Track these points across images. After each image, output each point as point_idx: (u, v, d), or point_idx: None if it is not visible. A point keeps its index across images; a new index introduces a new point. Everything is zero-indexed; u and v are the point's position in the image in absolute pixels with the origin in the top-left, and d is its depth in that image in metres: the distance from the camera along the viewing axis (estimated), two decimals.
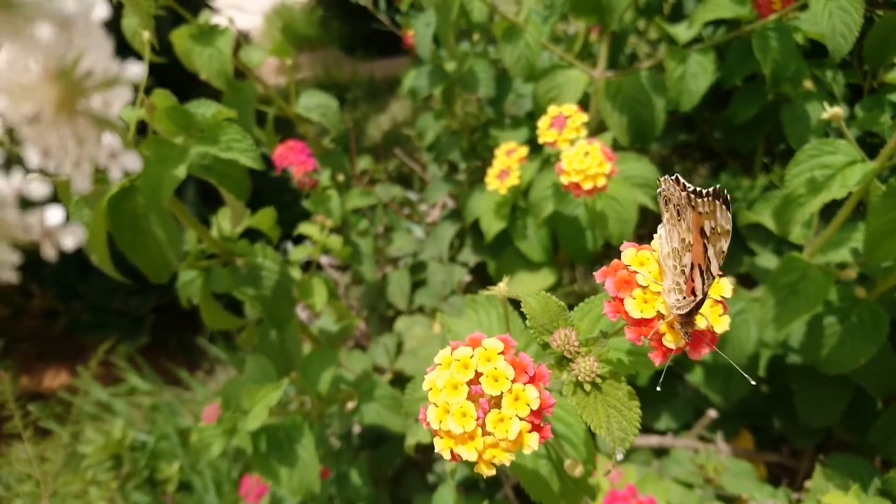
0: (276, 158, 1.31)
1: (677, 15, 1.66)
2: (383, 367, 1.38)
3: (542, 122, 0.94)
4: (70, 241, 0.22)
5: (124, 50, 1.11)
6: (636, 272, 0.43)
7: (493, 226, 1.37)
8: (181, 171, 0.76)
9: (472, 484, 1.37)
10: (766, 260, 1.18)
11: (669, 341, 0.42)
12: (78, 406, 2.07)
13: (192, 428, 1.82)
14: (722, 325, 0.43)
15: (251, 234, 1.12)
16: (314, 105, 1.46)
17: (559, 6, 1.39)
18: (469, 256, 1.58)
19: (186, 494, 1.85)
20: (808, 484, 1.10)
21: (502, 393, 0.41)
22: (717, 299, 0.44)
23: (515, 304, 0.57)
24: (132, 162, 0.24)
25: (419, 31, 1.41)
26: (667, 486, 1.03)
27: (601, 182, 0.84)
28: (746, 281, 1.55)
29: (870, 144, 1.50)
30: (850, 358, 0.98)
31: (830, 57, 1.05)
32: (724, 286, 0.44)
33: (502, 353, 0.42)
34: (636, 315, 0.42)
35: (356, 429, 1.55)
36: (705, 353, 0.43)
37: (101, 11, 0.23)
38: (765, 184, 1.45)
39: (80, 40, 0.22)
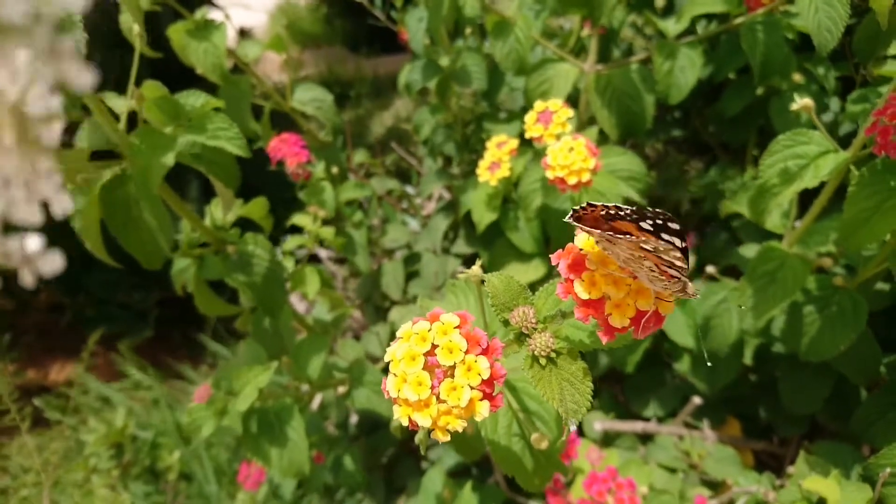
0: (270, 150, 1.34)
1: (671, 9, 1.67)
2: (376, 355, 1.41)
3: (529, 118, 0.96)
4: (48, 268, 0.22)
5: (123, 44, 1.14)
6: (586, 256, 0.45)
7: (484, 217, 1.40)
8: (169, 159, 0.78)
9: (464, 470, 1.40)
10: (750, 250, 1.19)
11: (615, 321, 0.44)
12: (79, 398, 2.11)
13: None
14: (667, 308, 0.45)
15: (247, 227, 1.15)
16: (309, 99, 1.48)
17: (550, 1, 1.41)
18: (462, 248, 1.60)
19: (187, 484, 1.89)
20: (790, 469, 1.12)
21: (456, 364, 0.44)
22: None
23: None
24: (62, 204, 0.24)
25: (411, 26, 1.43)
26: (650, 470, 1.06)
27: (585, 177, 0.86)
28: (735, 272, 1.57)
29: None
30: (830, 346, 1.00)
31: (817, 51, 1.06)
32: None
33: (458, 327, 0.45)
34: (584, 296, 0.44)
35: (353, 418, 1.58)
36: (650, 332, 0.45)
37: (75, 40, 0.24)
38: (753, 176, 1.46)
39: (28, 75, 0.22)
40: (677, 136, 1.86)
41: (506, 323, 0.49)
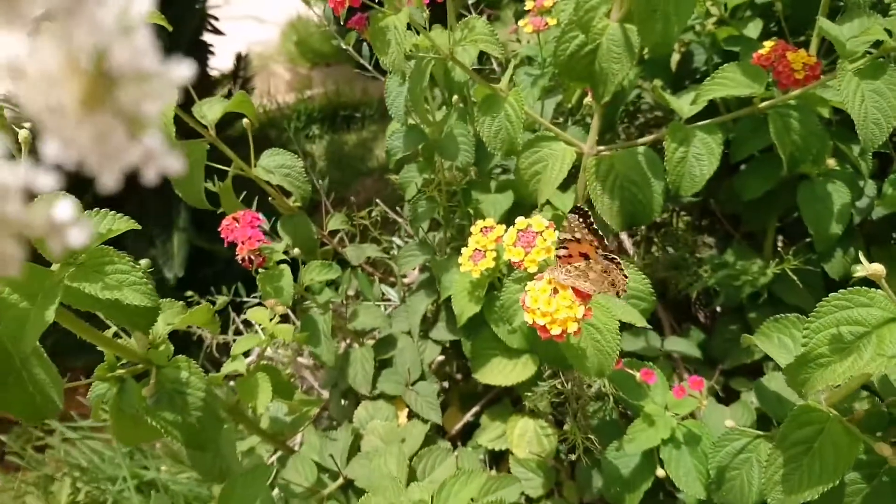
0: (222, 230, 1.16)
1: (685, 73, 1.51)
2: (334, 469, 1.22)
3: (508, 237, 0.78)
4: (78, 237, 0.22)
5: None
6: None
7: (465, 309, 1.21)
8: (50, 314, 0.59)
9: None
10: (775, 381, 1.00)
11: None
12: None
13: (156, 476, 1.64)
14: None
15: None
16: (276, 165, 1.30)
17: (550, 69, 1.24)
18: (443, 333, 1.42)
19: None
20: None
21: None
22: None
23: None
24: (173, 164, 0.22)
25: (391, 91, 1.26)
26: None
27: (572, 327, 0.66)
28: (752, 370, 1.40)
29: None
30: None
31: (862, 145, 0.91)
32: None
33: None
34: None
35: None
36: None
37: (144, 6, 0.21)
38: (777, 272, 1.28)
39: (113, 33, 0.21)
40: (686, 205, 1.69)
41: None
